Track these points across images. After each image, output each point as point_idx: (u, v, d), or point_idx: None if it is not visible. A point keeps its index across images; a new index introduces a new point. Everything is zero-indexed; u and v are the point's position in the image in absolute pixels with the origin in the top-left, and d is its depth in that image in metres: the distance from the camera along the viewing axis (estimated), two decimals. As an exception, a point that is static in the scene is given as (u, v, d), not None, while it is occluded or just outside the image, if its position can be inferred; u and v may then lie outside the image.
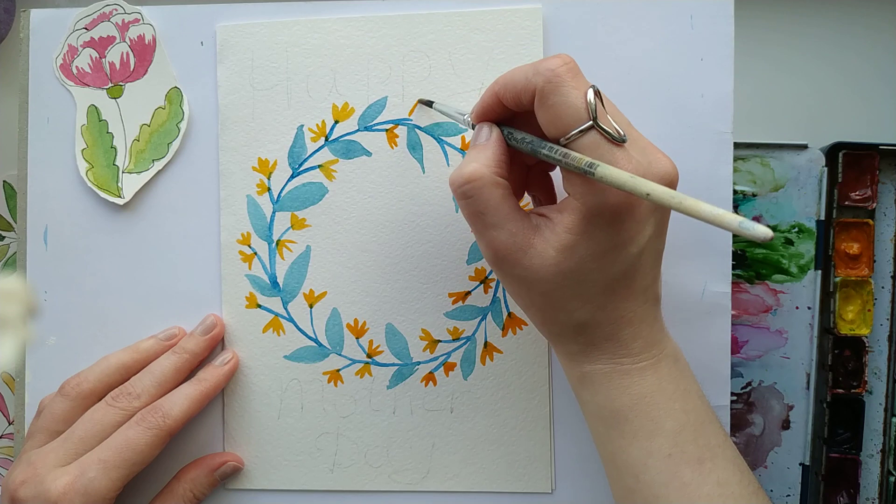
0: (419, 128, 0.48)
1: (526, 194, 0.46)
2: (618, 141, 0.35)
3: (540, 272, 0.38)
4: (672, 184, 0.37)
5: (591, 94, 0.36)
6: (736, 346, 0.58)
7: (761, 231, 0.28)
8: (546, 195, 0.45)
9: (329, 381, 0.49)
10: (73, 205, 0.50)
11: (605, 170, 0.34)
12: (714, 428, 0.41)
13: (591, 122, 0.35)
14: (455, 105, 0.48)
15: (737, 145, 0.52)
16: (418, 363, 0.49)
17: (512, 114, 0.40)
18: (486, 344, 0.49)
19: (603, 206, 0.36)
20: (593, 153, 0.35)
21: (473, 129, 0.42)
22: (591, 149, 0.35)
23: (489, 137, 0.40)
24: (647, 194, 0.32)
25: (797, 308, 0.58)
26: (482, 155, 0.39)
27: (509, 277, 0.39)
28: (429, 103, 0.47)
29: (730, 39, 0.47)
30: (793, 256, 0.58)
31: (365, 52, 0.48)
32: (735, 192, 0.57)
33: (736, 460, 0.40)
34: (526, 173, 0.44)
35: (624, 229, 0.37)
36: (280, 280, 0.49)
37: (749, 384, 0.58)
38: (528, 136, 0.39)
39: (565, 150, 0.36)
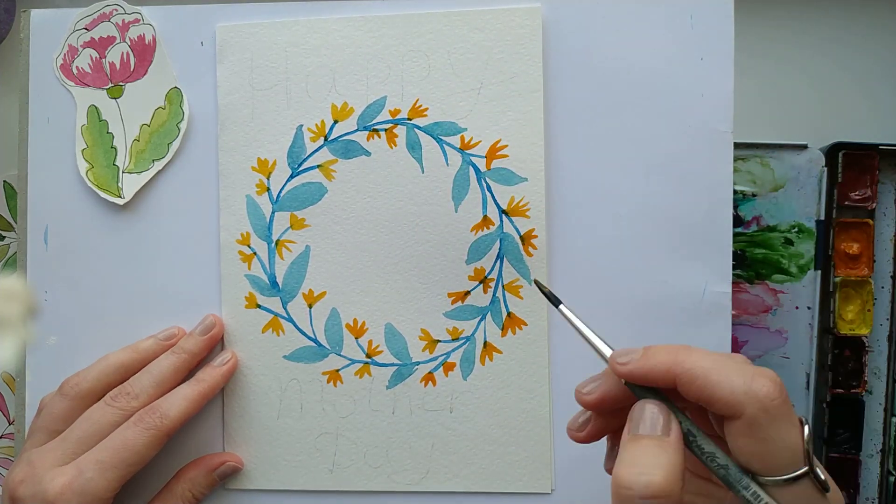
0: (418, 127, 0.48)
1: None
2: (826, 491, 0.32)
3: None
4: None
5: (807, 432, 0.32)
6: (736, 346, 0.58)
7: None
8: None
9: (328, 382, 0.49)
10: (73, 205, 0.50)
11: None
12: None
13: (805, 469, 0.31)
14: (452, 108, 0.48)
15: (737, 145, 0.51)
16: (418, 363, 0.49)
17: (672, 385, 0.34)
18: (485, 344, 0.49)
19: None
20: None
21: (622, 373, 0.35)
22: (798, 499, 0.31)
23: (669, 435, 0.33)
24: None
25: (797, 308, 0.58)
26: (667, 459, 0.32)
27: None
28: (557, 302, 0.40)
29: (730, 39, 0.47)
30: (793, 256, 0.58)
31: (364, 52, 0.48)
32: (735, 192, 0.57)
33: None
34: None
35: None
36: (279, 280, 0.49)
37: (749, 384, 0.58)
38: (723, 457, 0.33)
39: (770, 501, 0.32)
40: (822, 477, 0.31)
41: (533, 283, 0.42)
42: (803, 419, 0.32)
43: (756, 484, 0.32)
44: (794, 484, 0.31)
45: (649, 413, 0.34)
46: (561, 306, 0.39)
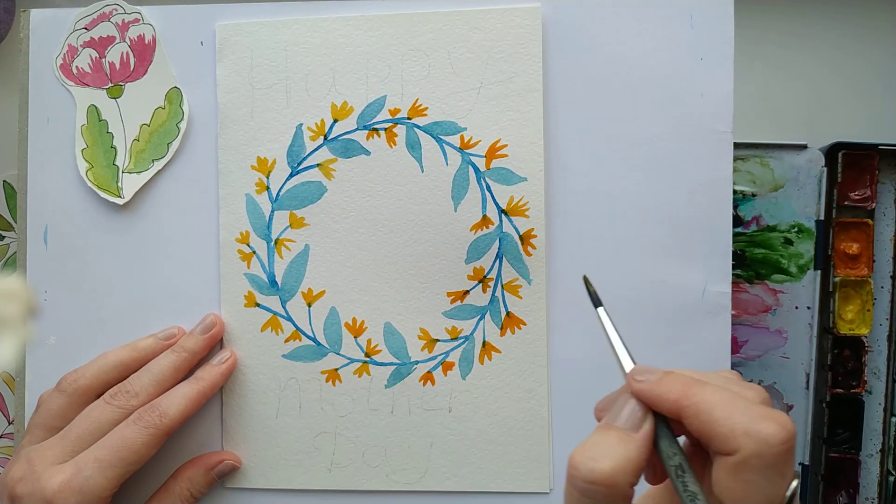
0: (418, 127, 0.48)
1: None
2: None
3: None
4: None
5: (793, 486, 0.30)
6: (736, 346, 0.58)
7: None
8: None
9: (327, 381, 0.49)
10: (73, 205, 0.51)
11: None
12: None
13: None
14: (452, 107, 0.48)
15: (737, 145, 0.52)
16: (416, 362, 0.49)
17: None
18: (484, 343, 0.49)
19: None
20: None
21: (628, 381, 0.34)
22: None
23: (638, 430, 0.32)
24: None
25: (797, 308, 0.58)
26: (623, 452, 0.31)
27: None
28: (598, 304, 0.38)
29: (730, 39, 0.47)
30: (792, 256, 0.58)
31: (364, 51, 0.49)
32: (735, 192, 0.57)
33: None
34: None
35: None
36: (279, 279, 0.49)
37: (749, 384, 0.58)
38: (704, 500, 0.31)
39: None
40: None
41: (582, 280, 0.40)
42: (797, 473, 0.31)
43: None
44: None
45: (629, 409, 0.33)
46: (599, 309, 0.38)
